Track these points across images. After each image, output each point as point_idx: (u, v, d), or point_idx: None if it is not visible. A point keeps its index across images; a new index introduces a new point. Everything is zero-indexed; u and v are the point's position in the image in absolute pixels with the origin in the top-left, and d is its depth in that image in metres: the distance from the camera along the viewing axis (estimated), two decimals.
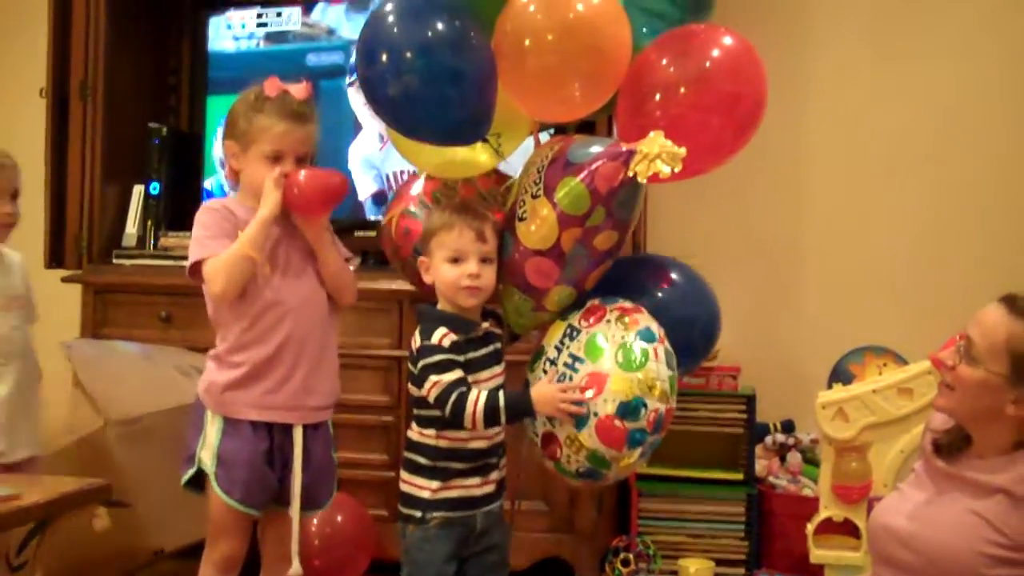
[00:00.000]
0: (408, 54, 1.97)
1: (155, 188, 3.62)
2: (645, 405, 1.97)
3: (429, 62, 1.97)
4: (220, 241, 2.14)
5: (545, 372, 2.11)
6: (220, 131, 2.33)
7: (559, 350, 2.10)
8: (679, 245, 3.46)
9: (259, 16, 3.68)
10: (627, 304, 2.08)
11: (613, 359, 1.99)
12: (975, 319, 1.97)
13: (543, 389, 2.05)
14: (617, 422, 1.97)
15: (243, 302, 2.16)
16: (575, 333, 2.08)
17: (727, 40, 2.05)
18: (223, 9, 3.75)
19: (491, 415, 2.01)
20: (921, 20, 3.56)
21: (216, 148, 3.15)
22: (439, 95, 1.99)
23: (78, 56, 3.58)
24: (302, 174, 2.15)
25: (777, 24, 3.61)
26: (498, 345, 2.16)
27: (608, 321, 2.05)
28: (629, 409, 1.97)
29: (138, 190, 3.65)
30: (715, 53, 2.03)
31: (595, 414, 1.97)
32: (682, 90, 2.00)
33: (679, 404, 3.18)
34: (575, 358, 2.05)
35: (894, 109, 3.56)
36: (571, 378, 2.04)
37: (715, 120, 2.00)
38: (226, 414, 2.19)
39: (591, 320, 2.07)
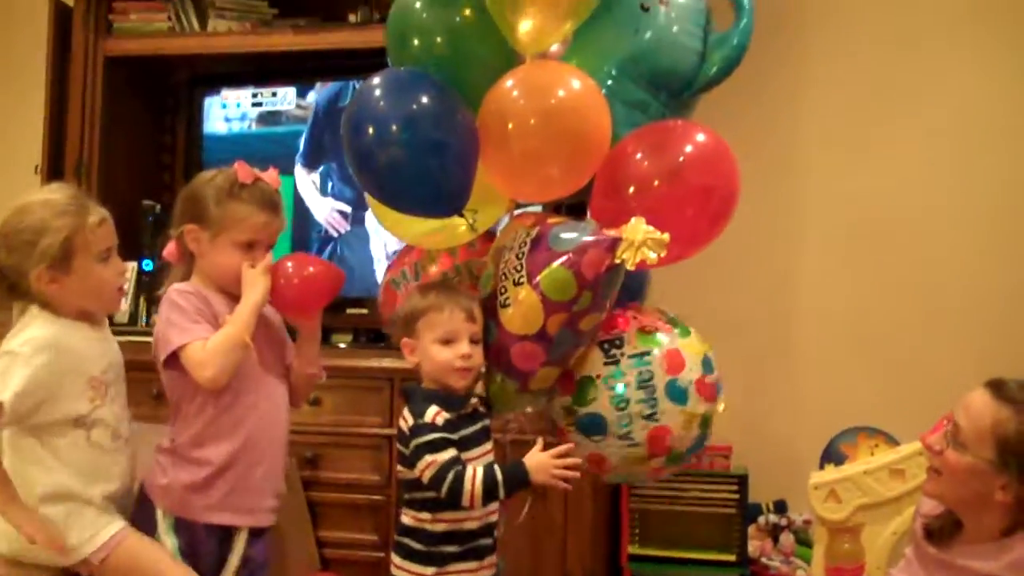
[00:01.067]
0: (394, 126, 2.01)
1: (148, 265, 3.65)
2: (709, 357, 2.18)
3: (414, 134, 2.01)
4: (202, 326, 2.09)
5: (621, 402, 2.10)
6: (176, 212, 2.26)
7: (617, 371, 2.11)
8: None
9: (254, 96, 3.74)
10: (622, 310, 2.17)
11: (672, 337, 2.14)
12: (962, 403, 1.99)
13: (536, 457, 2.05)
14: (708, 379, 2.13)
15: (212, 391, 2.10)
16: (616, 352, 2.12)
17: (700, 136, 2.11)
18: (218, 88, 3.80)
19: (490, 490, 2.01)
20: (910, 98, 3.61)
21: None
22: (422, 166, 2.02)
23: (74, 134, 3.65)
24: (289, 265, 2.15)
25: (768, 101, 3.67)
26: (486, 422, 2.16)
27: (634, 318, 2.14)
28: (706, 363, 2.15)
29: (131, 267, 3.67)
30: (688, 148, 2.09)
31: (691, 383, 2.09)
32: (656, 183, 2.05)
33: (670, 485, 3.25)
34: (639, 356, 2.10)
35: (884, 188, 3.60)
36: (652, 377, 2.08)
37: (688, 211, 2.06)
38: (182, 515, 2.12)
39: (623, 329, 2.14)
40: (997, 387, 1.96)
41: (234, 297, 2.15)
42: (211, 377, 2.05)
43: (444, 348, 2.09)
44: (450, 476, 2.00)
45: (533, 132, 2.02)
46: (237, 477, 2.12)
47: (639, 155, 2.09)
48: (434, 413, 2.05)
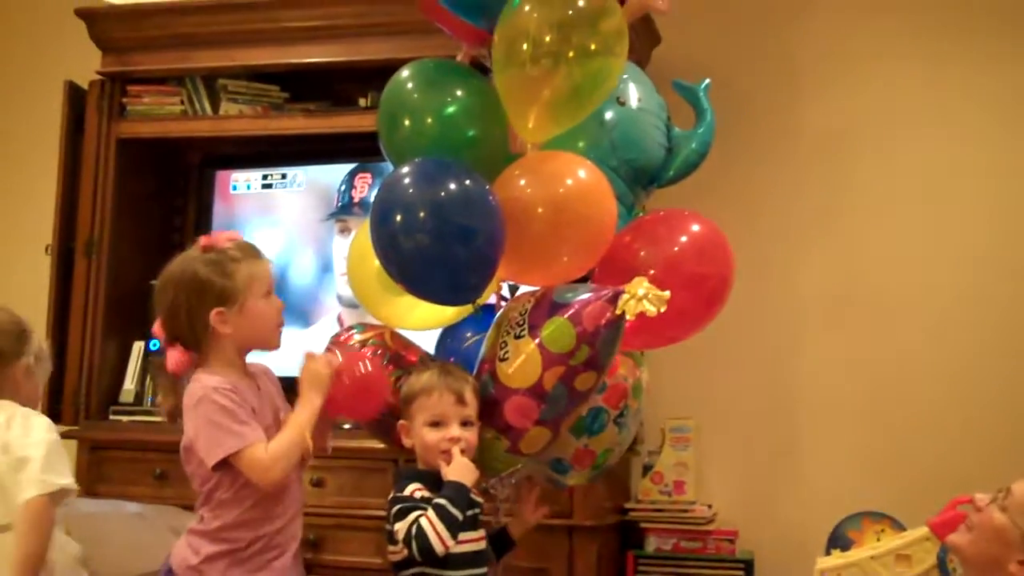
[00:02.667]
0: (421, 213, 2.04)
1: (155, 344, 3.65)
2: None
3: (441, 221, 2.04)
4: (252, 427, 2.08)
5: None
6: (178, 313, 2.18)
7: None
8: (675, 408, 3.55)
9: (264, 178, 3.81)
10: None
11: None
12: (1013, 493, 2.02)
13: (457, 466, 2.08)
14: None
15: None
16: None
17: (695, 227, 2.23)
18: (229, 169, 3.89)
19: (447, 517, 2.01)
20: (908, 173, 3.65)
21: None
22: (450, 254, 2.06)
23: (85, 214, 3.73)
24: (362, 363, 2.17)
25: (767, 181, 3.73)
26: (478, 510, 2.16)
27: None
28: None
29: (138, 346, 3.73)
30: (683, 239, 2.22)
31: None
32: (652, 272, 2.12)
33: (676, 568, 3.26)
34: None
35: (885, 268, 3.62)
36: None
37: (684, 297, 2.12)
38: None
39: None
40: None
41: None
42: (274, 481, 2.06)
43: (432, 430, 2.12)
44: (415, 529, 2.01)
45: (543, 220, 2.08)
46: (277, 552, 2.13)
47: (638, 244, 2.19)
48: (413, 488, 2.08)
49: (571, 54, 2.08)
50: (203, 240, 2.21)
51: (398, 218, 2.05)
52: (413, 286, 2.16)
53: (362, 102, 3.64)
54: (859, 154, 3.68)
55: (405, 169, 2.10)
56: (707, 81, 2.52)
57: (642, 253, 2.17)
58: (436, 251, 2.05)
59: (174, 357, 2.18)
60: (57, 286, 3.71)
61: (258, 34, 3.67)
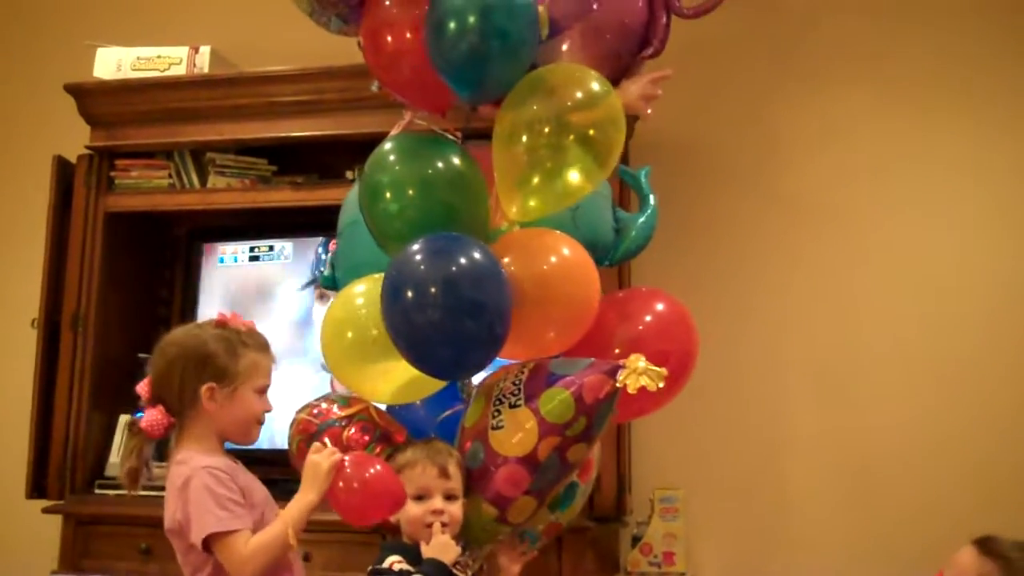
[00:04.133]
0: (432, 289, 2.05)
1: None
2: None
3: (452, 296, 2.05)
4: (237, 514, 2.09)
5: None
6: (173, 377, 2.22)
7: None
8: (664, 478, 3.56)
9: (251, 250, 3.85)
10: None
11: None
12: (951, 560, 2.04)
13: (437, 543, 2.08)
14: None
15: None
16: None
17: (660, 306, 2.33)
18: (216, 242, 3.93)
19: None
20: (886, 240, 3.71)
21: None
22: (461, 329, 2.07)
23: (72, 288, 3.76)
24: (371, 468, 2.10)
25: (752, 249, 3.78)
26: None
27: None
28: None
29: (124, 420, 3.73)
30: (648, 318, 2.32)
31: None
32: (616, 351, 2.20)
33: None
34: None
35: (874, 337, 3.66)
36: None
37: None
38: None
39: None
40: (984, 543, 2.03)
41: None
42: (249, 573, 2.06)
43: (416, 504, 2.14)
44: None
45: (528, 297, 2.12)
46: None
47: (605, 323, 2.24)
48: (392, 561, 2.09)
49: (570, 143, 2.15)
50: (219, 316, 2.27)
51: (409, 294, 2.06)
52: (422, 362, 2.15)
53: (349, 175, 3.70)
54: (844, 222, 3.74)
55: (416, 246, 2.12)
56: (647, 167, 2.60)
57: (606, 331, 2.25)
58: (447, 326, 2.06)
59: (152, 417, 2.22)
60: (43, 360, 3.73)
61: (246, 108, 3.73)
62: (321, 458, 2.11)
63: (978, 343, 3.57)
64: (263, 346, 2.25)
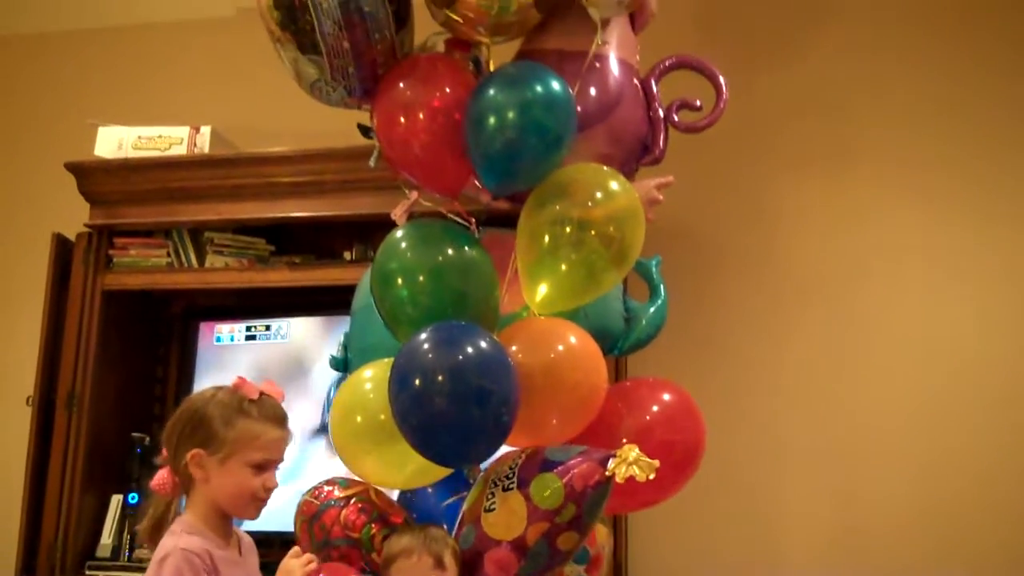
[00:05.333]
0: (439, 377, 2.06)
1: (133, 498, 3.70)
2: None
3: (459, 385, 2.06)
4: None
5: None
6: (172, 437, 2.18)
7: None
8: (662, 568, 3.55)
9: (248, 329, 3.88)
10: None
11: None
12: None
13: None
14: None
15: None
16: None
17: (666, 396, 2.33)
18: (212, 320, 3.96)
19: None
20: (883, 321, 3.72)
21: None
22: (468, 417, 2.08)
23: (67, 366, 3.77)
24: None
25: (748, 331, 3.79)
26: None
27: None
28: None
29: (116, 500, 3.73)
30: (655, 408, 2.31)
31: None
32: (624, 441, 2.16)
33: None
34: None
35: (870, 419, 3.65)
36: None
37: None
38: None
39: None
40: None
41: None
42: None
43: None
44: None
45: (535, 385, 2.14)
46: None
47: (611, 413, 2.24)
48: None
49: (592, 242, 2.21)
50: (237, 380, 2.17)
51: (416, 382, 2.07)
52: (428, 449, 2.16)
53: (346, 255, 3.75)
54: (845, 306, 3.75)
55: (423, 335, 2.13)
56: (658, 258, 2.63)
57: (611, 415, 2.27)
58: (453, 414, 2.07)
59: (161, 477, 2.17)
60: (37, 438, 3.73)
61: (245, 189, 3.78)
62: (296, 564, 2.09)
63: (979, 424, 3.57)
64: (270, 417, 2.14)
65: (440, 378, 2.06)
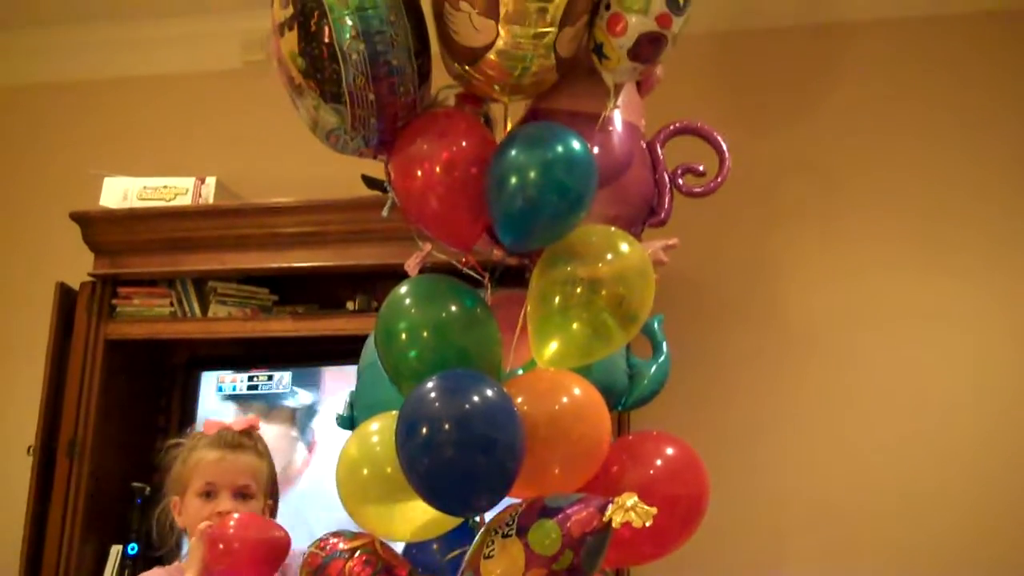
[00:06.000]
0: (445, 426, 2.05)
1: (133, 548, 3.69)
2: None
3: (465, 433, 2.05)
4: None
5: None
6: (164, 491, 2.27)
7: None
8: None
9: (250, 379, 3.88)
10: None
11: None
12: None
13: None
14: None
15: None
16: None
17: (670, 450, 2.33)
18: (215, 370, 3.97)
19: None
20: (885, 374, 3.75)
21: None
22: (474, 465, 2.06)
23: (69, 415, 3.78)
24: (231, 523, 2.02)
25: (749, 383, 3.81)
26: None
27: None
28: None
29: (115, 550, 3.72)
30: (658, 462, 2.31)
31: None
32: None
33: None
34: None
35: (871, 473, 3.67)
36: None
37: (659, 518, 2.16)
38: None
39: None
40: None
41: None
42: None
43: None
44: None
45: (538, 437, 2.14)
46: None
47: (615, 468, 2.26)
48: None
49: (602, 303, 2.22)
50: (205, 424, 2.24)
51: (422, 431, 2.06)
52: (435, 498, 2.14)
53: (350, 305, 3.76)
54: (840, 356, 3.78)
55: (429, 383, 2.14)
56: (660, 316, 2.65)
57: (615, 469, 2.25)
58: (459, 463, 2.06)
59: None
60: (37, 487, 3.72)
61: (249, 239, 3.80)
62: (199, 531, 2.05)
63: (983, 483, 3.59)
64: (213, 442, 2.17)
65: (446, 426, 2.07)
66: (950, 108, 3.93)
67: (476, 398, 2.10)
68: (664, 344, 2.63)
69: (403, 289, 2.33)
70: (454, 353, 2.24)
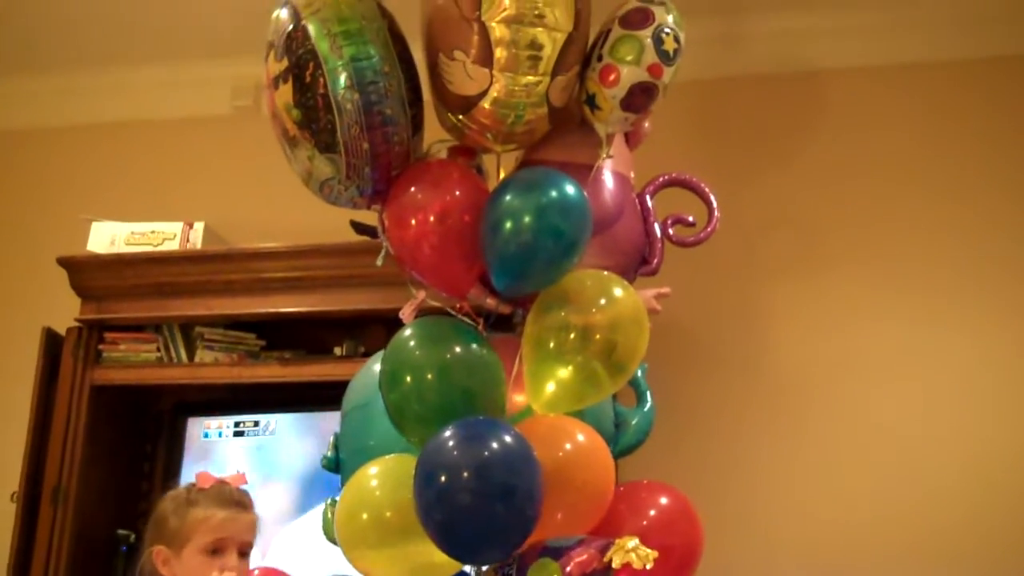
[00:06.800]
0: (465, 474, 2.06)
1: None
2: None
3: (485, 481, 2.06)
4: None
5: None
6: (145, 542, 2.27)
7: None
8: None
9: (236, 424, 3.87)
10: None
11: None
12: None
13: None
14: None
15: None
16: None
17: (664, 499, 2.35)
18: (200, 415, 3.95)
19: None
20: (875, 426, 3.75)
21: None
22: (492, 512, 2.07)
23: (54, 461, 3.75)
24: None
25: (739, 433, 3.82)
26: None
27: None
28: None
29: None
30: (652, 512, 2.33)
31: None
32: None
33: None
34: None
35: (862, 523, 3.67)
36: None
37: (654, 567, 2.17)
38: None
39: None
40: None
41: None
42: None
43: None
44: None
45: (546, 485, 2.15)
46: None
47: (612, 515, 2.27)
48: None
49: (595, 348, 2.24)
50: (197, 476, 2.25)
51: (442, 479, 2.08)
52: (453, 546, 2.15)
53: (337, 351, 3.76)
54: (830, 404, 3.80)
55: (448, 431, 2.14)
56: (644, 365, 2.66)
57: (611, 524, 2.26)
58: (480, 510, 2.07)
59: None
60: (21, 534, 3.69)
61: (236, 284, 3.80)
62: None
63: (972, 527, 3.60)
64: (218, 500, 2.21)
65: (465, 474, 2.07)
66: (933, 156, 3.98)
67: (495, 445, 2.10)
68: (648, 394, 2.66)
69: (407, 331, 2.35)
70: (458, 395, 2.25)
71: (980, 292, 3.81)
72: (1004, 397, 3.71)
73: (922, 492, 3.65)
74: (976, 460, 3.65)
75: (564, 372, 2.27)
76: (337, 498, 2.52)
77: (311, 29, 2.28)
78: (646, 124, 2.69)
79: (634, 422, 2.59)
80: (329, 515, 2.50)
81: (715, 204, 2.70)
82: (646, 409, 2.63)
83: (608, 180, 2.57)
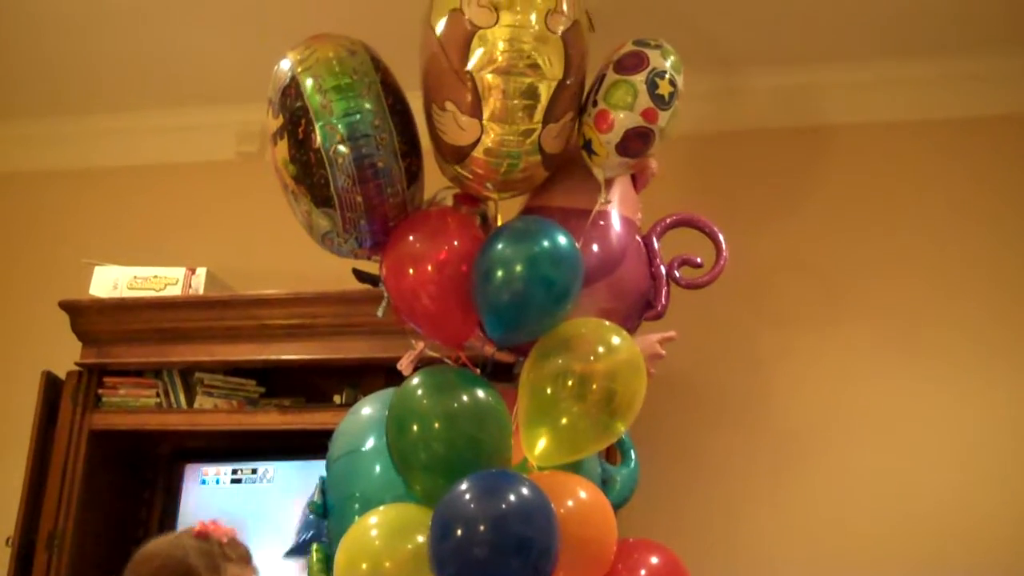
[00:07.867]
0: (482, 527, 2.05)
1: None
2: None
3: (501, 534, 2.06)
4: None
5: None
6: None
7: None
8: None
9: (234, 472, 3.86)
10: None
11: None
12: None
13: None
14: None
15: None
16: None
17: (654, 559, 2.34)
18: (198, 463, 3.94)
19: None
20: (871, 473, 3.75)
21: None
22: (509, 566, 2.06)
23: (50, 506, 3.74)
24: None
25: (737, 483, 3.81)
26: None
27: None
28: None
29: None
30: (642, 572, 2.30)
31: None
32: None
33: None
34: None
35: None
36: None
37: None
38: None
39: None
40: None
41: None
42: None
43: None
44: None
45: None
46: None
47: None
48: None
49: (593, 397, 2.25)
50: (199, 526, 2.25)
51: (458, 532, 2.07)
52: None
53: (336, 399, 3.76)
54: (833, 458, 3.79)
55: (464, 485, 2.13)
56: None
57: None
58: (496, 564, 2.06)
59: None
60: None
61: (237, 330, 3.81)
62: None
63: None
64: (245, 558, 2.26)
65: (482, 527, 2.06)
66: (945, 211, 3.97)
67: (512, 497, 2.09)
68: (632, 451, 2.65)
69: (415, 380, 2.35)
70: (465, 443, 2.25)
71: (991, 354, 3.79)
72: (1010, 467, 3.69)
73: (925, 551, 3.62)
74: (979, 517, 3.63)
75: (561, 421, 2.26)
76: (323, 543, 2.52)
77: (303, 84, 2.32)
78: (653, 164, 2.68)
79: (620, 479, 2.58)
80: (315, 559, 2.49)
81: (723, 242, 2.68)
82: (631, 466, 2.62)
83: (612, 224, 2.57)
